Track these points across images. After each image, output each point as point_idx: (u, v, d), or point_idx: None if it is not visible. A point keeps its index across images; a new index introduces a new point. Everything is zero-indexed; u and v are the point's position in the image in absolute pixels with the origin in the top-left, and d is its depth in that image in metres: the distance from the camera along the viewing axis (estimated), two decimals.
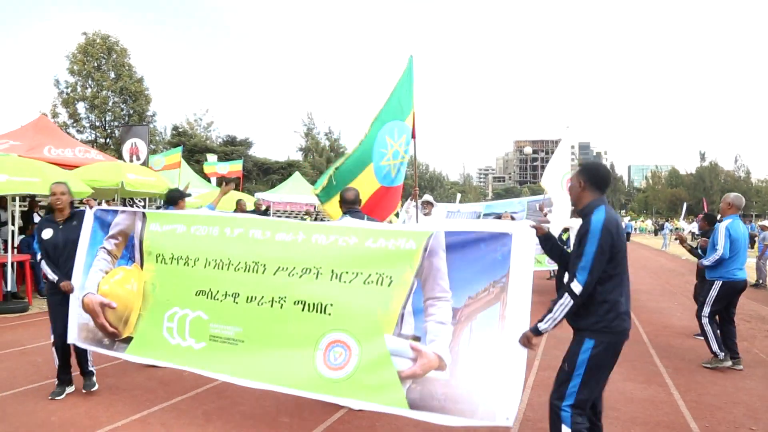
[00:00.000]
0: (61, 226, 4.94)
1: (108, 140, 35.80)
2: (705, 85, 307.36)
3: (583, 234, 3.15)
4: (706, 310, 6.33)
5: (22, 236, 10.88)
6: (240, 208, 10.96)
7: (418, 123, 6.92)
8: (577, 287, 3.08)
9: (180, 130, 46.76)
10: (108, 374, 5.58)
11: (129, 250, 4.72)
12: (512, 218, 9.23)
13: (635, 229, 56.94)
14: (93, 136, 35.99)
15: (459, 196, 32.30)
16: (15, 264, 9.50)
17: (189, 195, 7.20)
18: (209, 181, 22.88)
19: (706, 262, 6.36)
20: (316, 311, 3.85)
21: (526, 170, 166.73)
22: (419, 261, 3.66)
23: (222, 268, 4.27)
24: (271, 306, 4.01)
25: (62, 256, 4.89)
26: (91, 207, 5.00)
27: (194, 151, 39.31)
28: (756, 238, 18.90)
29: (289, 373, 3.86)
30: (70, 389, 5.00)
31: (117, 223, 4.81)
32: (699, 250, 7.17)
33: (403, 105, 7.87)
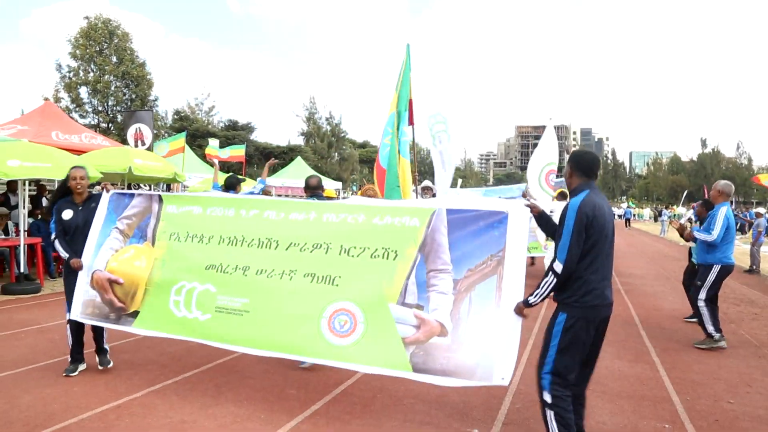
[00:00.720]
0: (80, 208, 5.19)
1: (110, 125, 35.98)
2: (707, 71, 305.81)
3: (562, 216, 3.42)
4: (704, 293, 6.58)
5: (32, 220, 11.15)
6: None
7: (417, 109, 7.22)
8: (558, 266, 3.35)
9: (182, 114, 46.90)
10: (123, 350, 5.87)
11: (141, 229, 4.97)
12: None
13: (633, 215, 57.09)
14: (95, 120, 36.14)
15: (460, 181, 32.51)
16: (26, 247, 9.78)
17: (243, 180, 7.93)
18: (211, 165, 23.09)
19: (699, 234, 6.61)
20: (325, 282, 4.16)
21: (527, 156, 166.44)
22: (422, 236, 3.99)
23: (235, 245, 4.57)
24: (281, 278, 4.30)
25: (81, 236, 5.13)
26: (107, 191, 5.25)
27: (196, 136, 39.45)
28: (751, 225, 19.17)
29: (295, 341, 4.15)
30: (82, 367, 5.24)
31: (133, 206, 5.07)
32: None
33: (402, 93, 8.15)
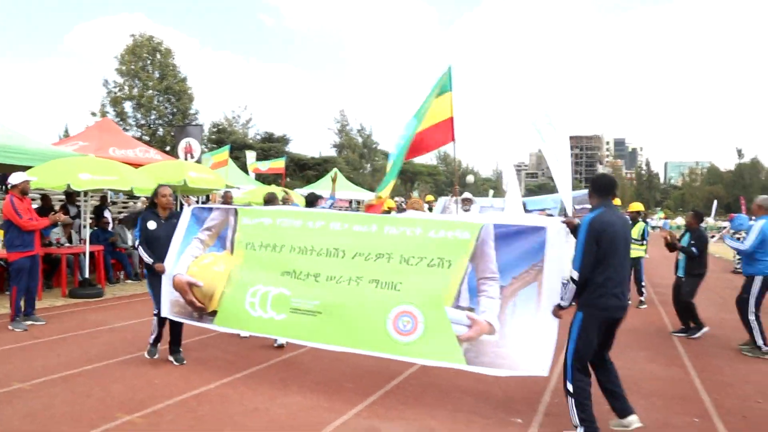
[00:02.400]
0: (163, 222, 5.82)
1: (151, 138, 37.27)
2: (744, 80, 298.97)
3: (579, 230, 4.10)
4: (752, 305, 6.77)
5: (95, 228, 11.92)
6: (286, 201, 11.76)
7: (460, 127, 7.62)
8: (574, 273, 4.03)
9: (220, 127, 48.15)
10: (191, 348, 6.44)
11: (221, 240, 5.57)
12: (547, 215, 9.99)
13: (670, 226, 56.22)
14: (138, 133, 37.50)
15: (491, 192, 32.79)
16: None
17: (321, 197, 9.23)
18: (255, 177, 24.02)
19: (731, 243, 7.31)
20: (388, 288, 4.75)
21: None
22: (473, 248, 4.59)
23: (306, 254, 5.17)
24: (348, 284, 4.91)
25: (160, 246, 5.73)
26: (189, 205, 5.87)
27: (233, 148, 40.28)
28: None
29: (364, 338, 4.78)
30: (157, 355, 5.90)
31: (213, 218, 5.68)
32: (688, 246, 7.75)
33: (426, 106, 8.43)
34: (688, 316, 7.89)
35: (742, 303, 6.94)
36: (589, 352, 4.08)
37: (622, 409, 4.15)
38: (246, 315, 5.22)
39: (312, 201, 8.25)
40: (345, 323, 4.86)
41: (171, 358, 5.89)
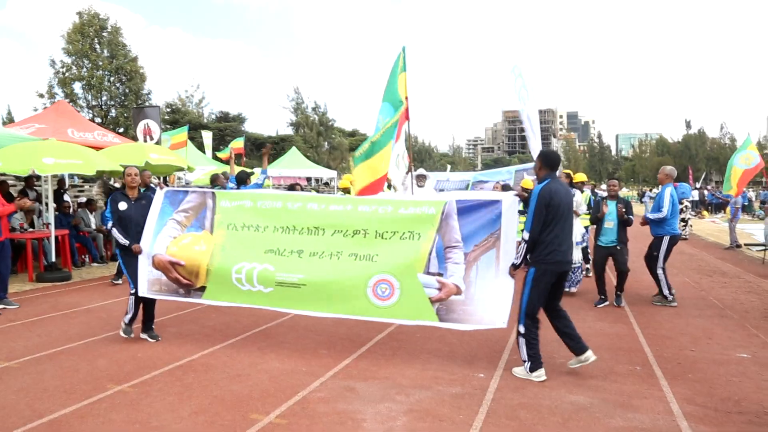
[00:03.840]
0: (133, 202, 6.00)
1: (104, 120, 36.34)
2: (692, 53, 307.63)
3: (530, 199, 4.79)
4: (661, 261, 7.78)
5: (57, 213, 11.86)
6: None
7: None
8: (526, 235, 4.78)
9: (173, 107, 47.26)
10: (168, 325, 6.70)
11: (199, 220, 5.83)
12: (502, 187, 10.50)
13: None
14: (90, 115, 36.48)
15: (449, 167, 33.34)
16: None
17: (252, 173, 9.29)
18: (215, 158, 23.95)
19: (651, 216, 7.81)
20: (366, 260, 5.25)
21: (515, 140, 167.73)
22: (439, 221, 5.18)
23: (288, 233, 5.58)
24: (330, 258, 5.37)
25: (133, 226, 5.92)
26: (161, 188, 6.07)
27: (189, 129, 39.83)
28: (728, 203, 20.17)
29: (348, 305, 5.27)
30: (132, 334, 6.09)
31: (189, 201, 5.93)
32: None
33: (395, 90, 8.71)
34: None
35: (651, 260, 7.94)
36: (541, 301, 4.82)
37: (577, 348, 4.91)
38: (235, 289, 5.58)
39: (243, 179, 8.51)
40: (329, 292, 5.32)
41: (145, 336, 6.08)
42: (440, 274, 5.08)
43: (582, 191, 10.74)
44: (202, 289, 5.72)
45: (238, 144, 23.60)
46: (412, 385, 4.74)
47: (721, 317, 7.18)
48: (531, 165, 12.46)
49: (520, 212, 5.82)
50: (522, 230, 4.88)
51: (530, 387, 4.67)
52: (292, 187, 10.48)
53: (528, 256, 4.85)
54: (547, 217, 4.69)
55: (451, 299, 5.03)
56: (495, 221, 5.07)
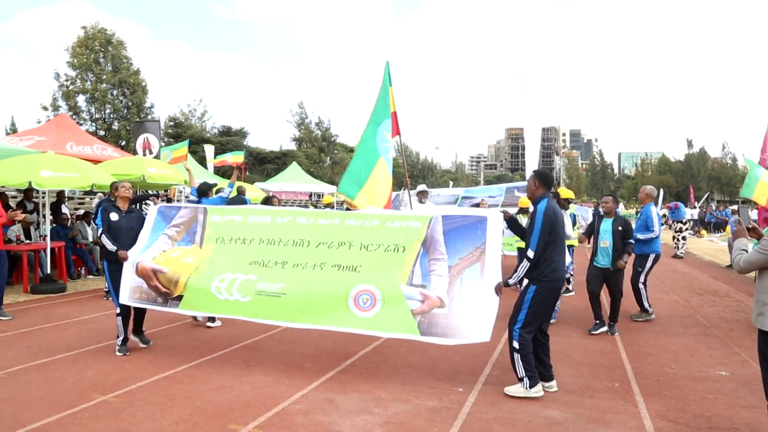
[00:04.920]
0: (124, 214, 6.14)
1: (107, 132, 36.62)
2: (696, 72, 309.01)
3: (533, 216, 4.81)
4: (643, 277, 8.09)
5: (54, 225, 12.01)
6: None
7: (410, 113, 8.03)
8: (531, 253, 4.77)
9: (176, 121, 47.56)
10: (158, 336, 6.79)
11: (190, 235, 5.94)
12: (488, 204, 10.85)
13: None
14: (93, 128, 36.79)
15: (451, 183, 33.51)
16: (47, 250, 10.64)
17: (215, 185, 9.23)
18: (216, 172, 24.14)
19: (641, 236, 7.92)
20: (349, 270, 5.26)
21: (517, 157, 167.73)
22: (424, 234, 5.21)
23: (273, 245, 5.64)
24: (313, 269, 5.37)
25: (122, 236, 6.03)
26: (155, 203, 6.21)
27: (191, 142, 40.03)
28: (727, 223, 20.21)
29: (327, 315, 5.19)
30: (128, 352, 6.11)
31: (181, 216, 6.05)
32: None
33: (386, 105, 8.87)
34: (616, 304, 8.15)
35: (635, 275, 8.16)
36: (540, 319, 4.88)
37: (546, 375, 4.98)
38: (212, 298, 5.55)
39: (204, 191, 8.38)
40: (308, 302, 5.26)
41: (135, 338, 6.24)
42: (424, 286, 5.03)
43: (566, 208, 10.76)
44: (179, 298, 5.71)
45: (237, 158, 23.72)
46: (391, 398, 4.82)
47: (706, 335, 7.23)
48: (523, 183, 12.66)
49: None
50: (518, 246, 4.97)
51: (506, 402, 4.73)
52: (267, 200, 10.45)
53: (526, 275, 4.86)
54: (551, 236, 4.78)
55: (434, 312, 4.93)
56: (480, 236, 5.07)
